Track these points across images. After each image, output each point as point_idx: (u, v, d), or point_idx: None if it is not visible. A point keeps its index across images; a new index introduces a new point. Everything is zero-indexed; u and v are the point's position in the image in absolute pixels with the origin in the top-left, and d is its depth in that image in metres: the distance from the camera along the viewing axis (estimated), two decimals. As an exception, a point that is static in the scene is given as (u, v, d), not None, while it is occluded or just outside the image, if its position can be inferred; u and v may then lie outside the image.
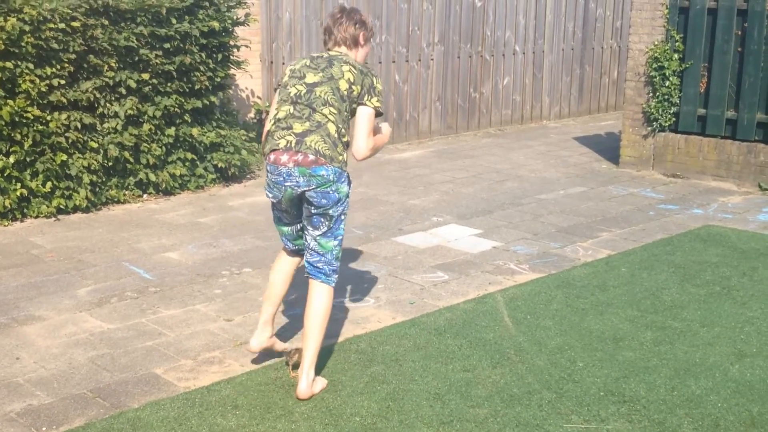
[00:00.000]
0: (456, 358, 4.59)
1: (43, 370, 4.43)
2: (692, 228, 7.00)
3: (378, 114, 4.17)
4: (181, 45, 7.74)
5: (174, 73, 7.73)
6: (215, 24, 7.89)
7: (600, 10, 12.74)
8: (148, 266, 6.03)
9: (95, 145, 7.25)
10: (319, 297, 4.17)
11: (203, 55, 7.92)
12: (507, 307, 5.29)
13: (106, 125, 7.38)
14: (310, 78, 4.11)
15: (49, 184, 7.01)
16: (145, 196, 7.80)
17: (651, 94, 8.94)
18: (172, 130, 7.75)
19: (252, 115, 9.82)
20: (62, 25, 6.87)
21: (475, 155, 10.01)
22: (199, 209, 7.53)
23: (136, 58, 7.50)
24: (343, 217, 4.18)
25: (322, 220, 4.12)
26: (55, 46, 6.88)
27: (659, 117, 8.88)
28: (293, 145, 3.98)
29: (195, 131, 7.89)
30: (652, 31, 8.88)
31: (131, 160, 7.52)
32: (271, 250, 6.40)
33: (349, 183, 4.19)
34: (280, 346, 4.53)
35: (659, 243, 6.60)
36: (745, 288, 5.64)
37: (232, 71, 8.58)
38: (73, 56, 7.04)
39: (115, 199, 7.53)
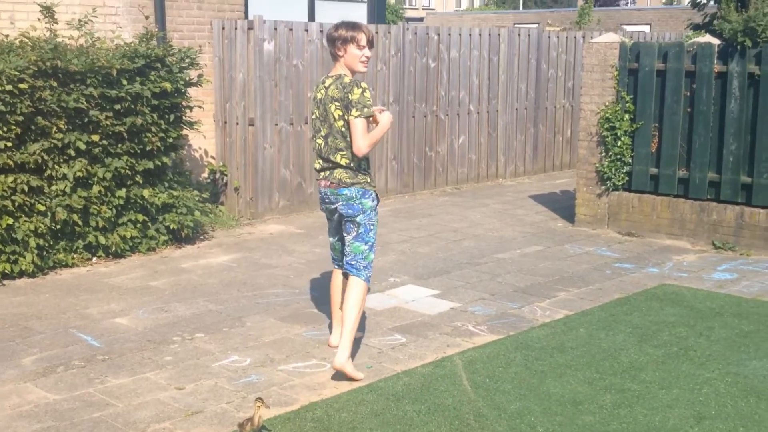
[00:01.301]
0: (414, 425, 4.48)
1: (-17, 445, 4.23)
2: (648, 287, 7.01)
3: (365, 117, 5.05)
4: (132, 106, 7.67)
5: (125, 134, 7.63)
6: (167, 85, 7.83)
7: (552, 70, 12.95)
8: (97, 333, 5.85)
9: (43, 208, 7.09)
10: (354, 288, 5.19)
11: (155, 116, 7.84)
12: (466, 371, 5.21)
13: (54, 187, 7.23)
14: (323, 131, 5.17)
15: (-6, 249, 6.82)
16: (94, 259, 7.63)
17: (604, 154, 9.03)
18: (122, 192, 7.62)
19: (206, 175, 9.73)
20: (9, 87, 6.76)
21: (432, 214, 10.00)
22: (150, 272, 7.37)
23: (86, 120, 7.39)
24: (371, 226, 5.23)
25: (352, 226, 5.21)
26: (2, 107, 6.76)
27: (612, 176, 8.97)
28: (327, 175, 5.21)
29: (146, 192, 7.77)
30: (603, 92, 9.02)
31: (80, 222, 7.36)
32: (225, 314, 6.27)
33: (375, 199, 5.24)
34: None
35: (616, 303, 6.59)
36: (702, 348, 5.62)
37: (184, 132, 8.51)
38: (21, 118, 6.91)
39: (63, 263, 7.35)
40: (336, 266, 5.59)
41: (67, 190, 7.26)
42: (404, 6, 47.67)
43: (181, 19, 9.39)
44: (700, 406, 4.74)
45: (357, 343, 5.59)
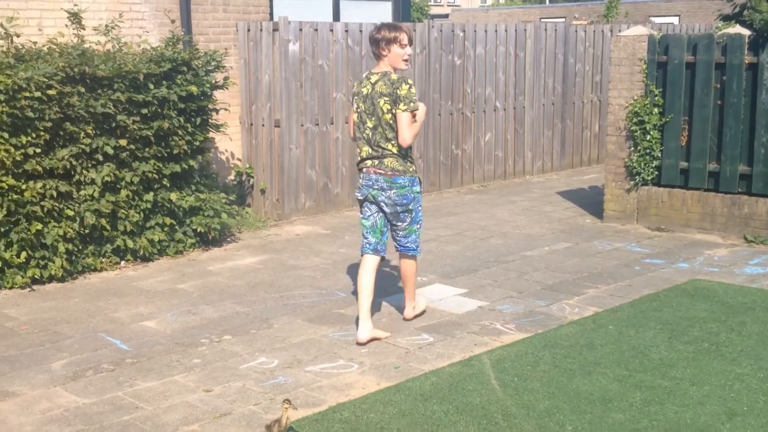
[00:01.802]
0: (442, 424, 4.46)
1: (14, 449, 4.27)
2: (679, 283, 6.92)
3: (411, 111, 5.56)
4: (159, 110, 7.70)
5: (152, 138, 7.67)
6: (193, 88, 7.86)
7: (579, 65, 12.85)
8: (125, 336, 5.89)
9: (71, 213, 7.14)
10: (409, 263, 5.97)
11: (181, 119, 7.88)
12: (494, 370, 5.18)
13: (82, 192, 7.28)
14: (370, 123, 5.66)
15: (23, 254, 6.88)
16: (122, 263, 7.68)
17: (632, 149, 8.94)
18: (150, 196, 7.67)
19: (232, 177, 9.77)
20: (38, 94, 6.81)
21: (458, 212, 9.95)
22: (178, 275, 7.41)
23: (114, 124, 7.44)
24: (419, 207, 5.85)
25: (406, 214, 5.79)
26: (31, 114, 6.82)
27: (641, 171, 8.87)
28: (376, 164, 5.67)
29: (174, 196, 7.81)
30: (631, 86, 8.92)
31: (108, 227, 7.41)
32: (252, 315, 6.29)
33: (420, 183, 5.82)
34: (380, 334, 5.80)
35: (646, 299, 6.52)
36: (734, 344, 5.54)
37: (211, 134, 8.54)
38: (49, 124, 6.97)
39: (92, 267, 7.41)
40: (369, 252, 5.81)
41: (96, 194, 7.32)
42: (429, 3, 47.57)
43: (207, 23, 9.44)
44: (732, 402, 4.67)
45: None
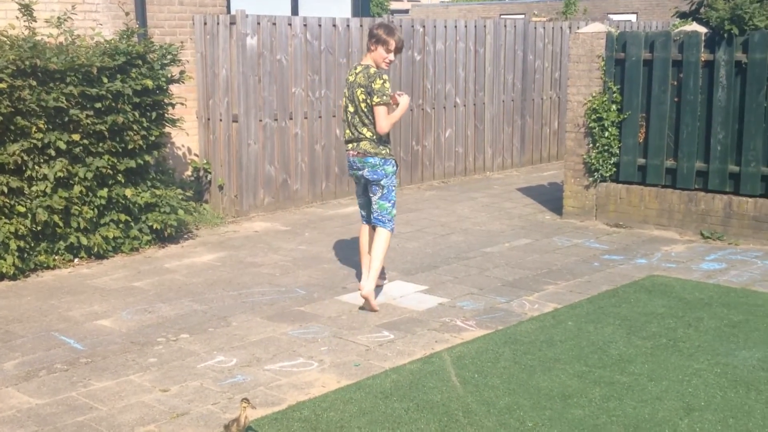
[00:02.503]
0: (403, 422, 4.43)
1: (-37, 453, 4.16)
2: (637, 278, 6.97)
3: (384, 104, 6.18)
4: (113, 104, 7.57)
5: (106, 133, 7.53)
6: (149, 82, 7.74)
7: (539, 62, 12.90)
8: (79, 335, 5.77)
9: (23, 210, 6.99)
10: (380, 236, 6.39)
11: (137, 113, 7.75)
12: (454, 366, 5.16)
13: (34, 188, 7.12)
14: (351, 108, 6.33)
15: (-26, 252, 6.73)
16: (76, 260, 7.53)
17: (591, 145, 8.98)
18: (104, 192, 7.53)
19: (189, 172, 9.65)
20: (-13, 87, 6.66)
21: (419, 209, 9.94)
22: (133, 272, 7.29)
23: (66, 119, 7.29)
24: (392, 187, 6.41)
25: (377, 188, 6.38)
26: (-20, 108, 6.66)
27: (600, 167, 8.92)
28: (354, 146, 6.35)
29: (129, 192, 7.68)
30: (590, 83, 8.96)
31: (61, 223, 7.26)
32: (210, 314, 6.20)
33: (395, 165, 6.40)
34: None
35: (605, 295, 6.55)
36: (691, 339, 5.59)
37: (167, 129, 8.42)
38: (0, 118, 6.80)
39: (45, 265, 7.26)
40: (364, 222, 6.64)
41: (48, 190, 7.16)
42: (390, -1, 47.45)
43: (162, 15, 9.29)
44: (690, 397, 4.70)
45: (378, 291, 6.63)
